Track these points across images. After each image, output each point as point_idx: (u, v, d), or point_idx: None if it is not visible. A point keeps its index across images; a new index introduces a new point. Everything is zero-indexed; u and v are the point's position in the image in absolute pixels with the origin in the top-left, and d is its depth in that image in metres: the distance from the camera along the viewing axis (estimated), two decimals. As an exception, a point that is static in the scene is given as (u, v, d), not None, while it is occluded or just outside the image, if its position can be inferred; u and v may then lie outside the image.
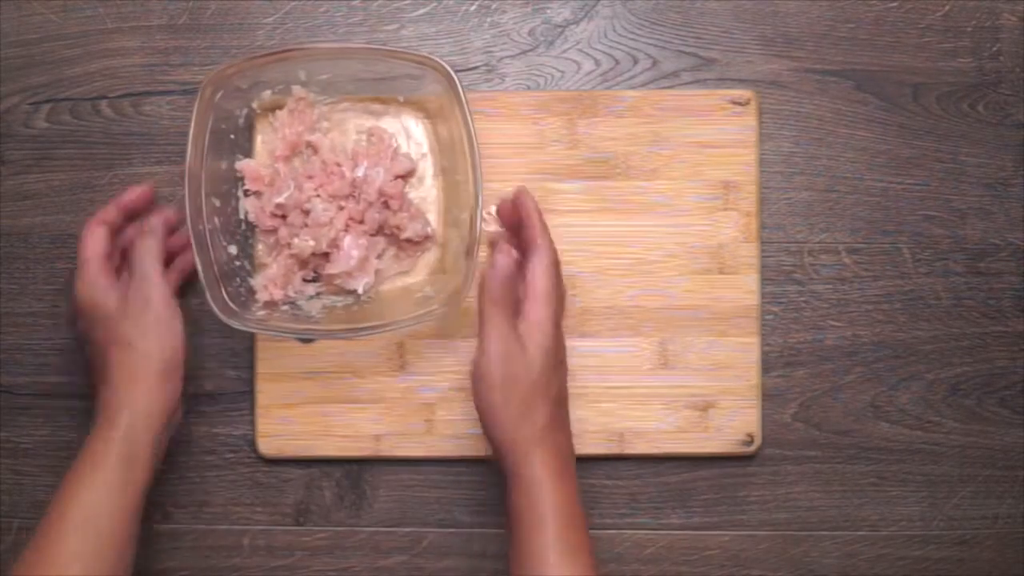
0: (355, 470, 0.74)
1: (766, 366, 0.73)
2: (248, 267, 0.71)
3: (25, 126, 0.74)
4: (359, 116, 0.72)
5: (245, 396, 0.73)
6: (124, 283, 0.67)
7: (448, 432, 0.72)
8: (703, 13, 0.74)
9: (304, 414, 0.72)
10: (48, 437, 0.74)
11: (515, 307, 0.63)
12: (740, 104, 0.73)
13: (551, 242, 0.65)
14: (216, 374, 0.74)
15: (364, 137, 0.71)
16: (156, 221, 0.68)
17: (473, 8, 0.75)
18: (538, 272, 0.63)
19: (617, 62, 0.74)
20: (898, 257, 0.74)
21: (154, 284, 0.65)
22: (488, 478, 0.73)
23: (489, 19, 0.75)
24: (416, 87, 0.70)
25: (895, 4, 0.74)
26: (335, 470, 0.73)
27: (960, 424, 0.73)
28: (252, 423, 0.73)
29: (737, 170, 0.73)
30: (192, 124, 0.66)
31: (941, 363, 0.73)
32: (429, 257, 0.72)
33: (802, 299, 0.74)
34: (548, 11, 0.75)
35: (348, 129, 0.72)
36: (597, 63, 0.74)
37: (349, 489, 0.74)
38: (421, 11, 0.74)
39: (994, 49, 0.74)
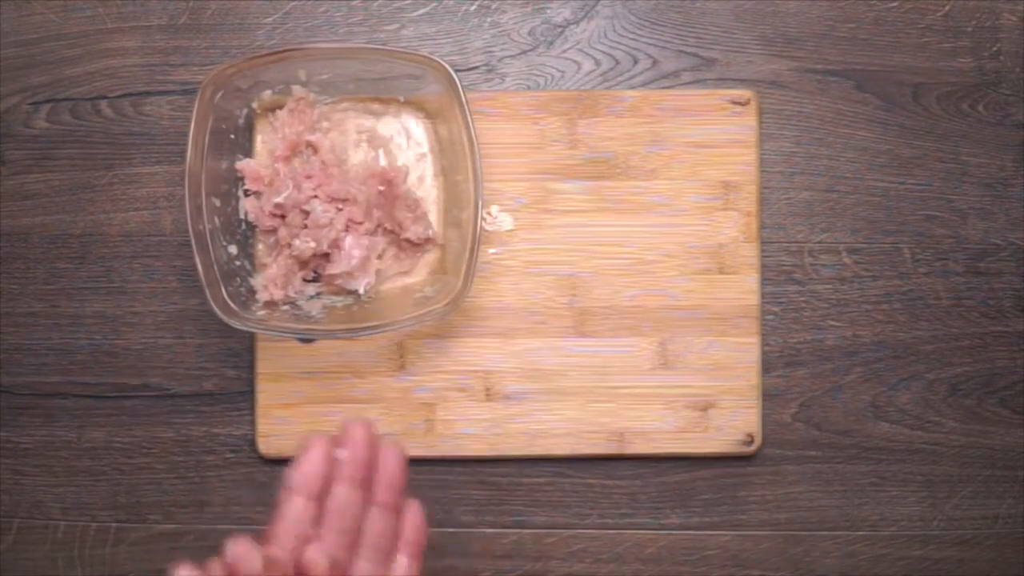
0: (355, 470, 0.74)
1: (766, 366, 0.73)
2: (248, 267, 0.71)
3: (25, 126, 0.74)
4: (359, 116, 0.72)
5: (245, 396, 0.73)
6: None
7: (448, 432, 0.72)
8: (703, 13, 0.74)
9: (304, 414, 0.72)
10: (48, 437, 0.74)
11: None
12: (740, 104, 0.73)
13: None
14: (216, 374, 0.74)
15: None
16: None
17: (473, 8, 0.75)
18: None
19: (617, 62, 0.74)
20: (898, 257, 0.74)
21: None
22: (488, 478, 0.73)
23: (489, 19, 0.75)
24: (416, 87, 0.70)
25: (895, 4, 0.74)
26: (335, 470, 0.73)
27: (960, 424, 0.73)
28: (252, 423, 0.73)
29: (737, 170, 0.73)
30: (192, 124, 0.66)
31: (941, 363, 0.73)
32: (429, 257, 0.72)
33: (802, 299, 0.74)
34: (548, 11, 0.74)
35: (348, 129, 0.72)
36: (597, 63, 0.74)
37: (349, 489, 0.74)
38: (421, 11, 0.74)
39: (994, 49, 0.74)
